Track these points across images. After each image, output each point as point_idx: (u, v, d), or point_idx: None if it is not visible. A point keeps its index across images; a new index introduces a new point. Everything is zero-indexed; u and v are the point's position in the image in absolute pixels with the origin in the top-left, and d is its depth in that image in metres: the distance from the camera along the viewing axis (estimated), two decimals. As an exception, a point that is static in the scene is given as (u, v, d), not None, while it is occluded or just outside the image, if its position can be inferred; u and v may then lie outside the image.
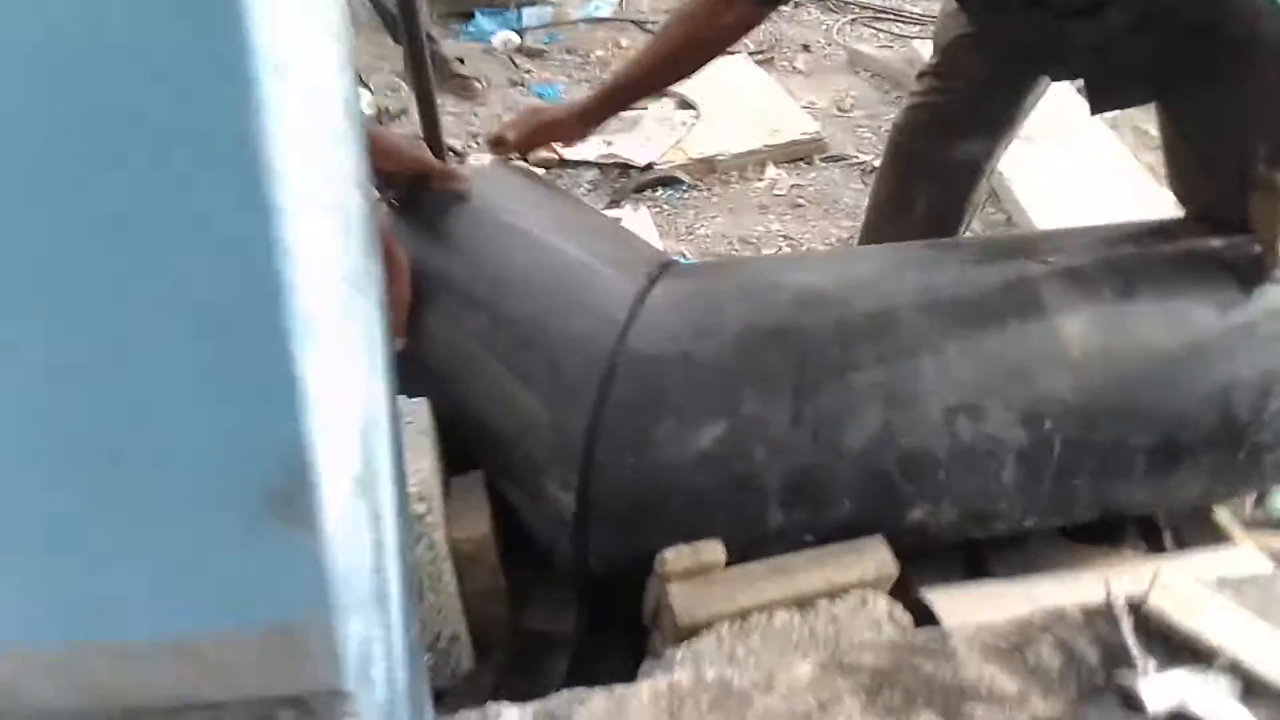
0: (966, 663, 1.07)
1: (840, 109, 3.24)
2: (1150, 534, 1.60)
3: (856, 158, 2.94)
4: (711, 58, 1.53)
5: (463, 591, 1.33)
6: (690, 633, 1.22)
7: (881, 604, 1.25)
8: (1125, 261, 1.39)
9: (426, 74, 1.46)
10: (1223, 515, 1.53)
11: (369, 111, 3.04)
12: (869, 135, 3.07)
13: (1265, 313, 1.35)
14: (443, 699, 1.24)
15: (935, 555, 1.50)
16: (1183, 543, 1.52)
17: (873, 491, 1.28)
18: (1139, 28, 1.34)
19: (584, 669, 1.28)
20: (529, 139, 1.59)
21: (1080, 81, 1.52)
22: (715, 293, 1.32)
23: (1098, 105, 1.51)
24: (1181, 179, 1.57)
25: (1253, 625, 1.09)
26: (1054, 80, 1.68)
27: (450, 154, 2.83)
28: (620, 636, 1.37)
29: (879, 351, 1.26)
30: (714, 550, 1.25)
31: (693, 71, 1.57)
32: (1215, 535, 1.56)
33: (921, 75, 1.78)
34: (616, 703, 1.02)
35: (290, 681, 0.58)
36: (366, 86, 3.12)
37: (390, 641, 0.68)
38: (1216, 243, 1.41)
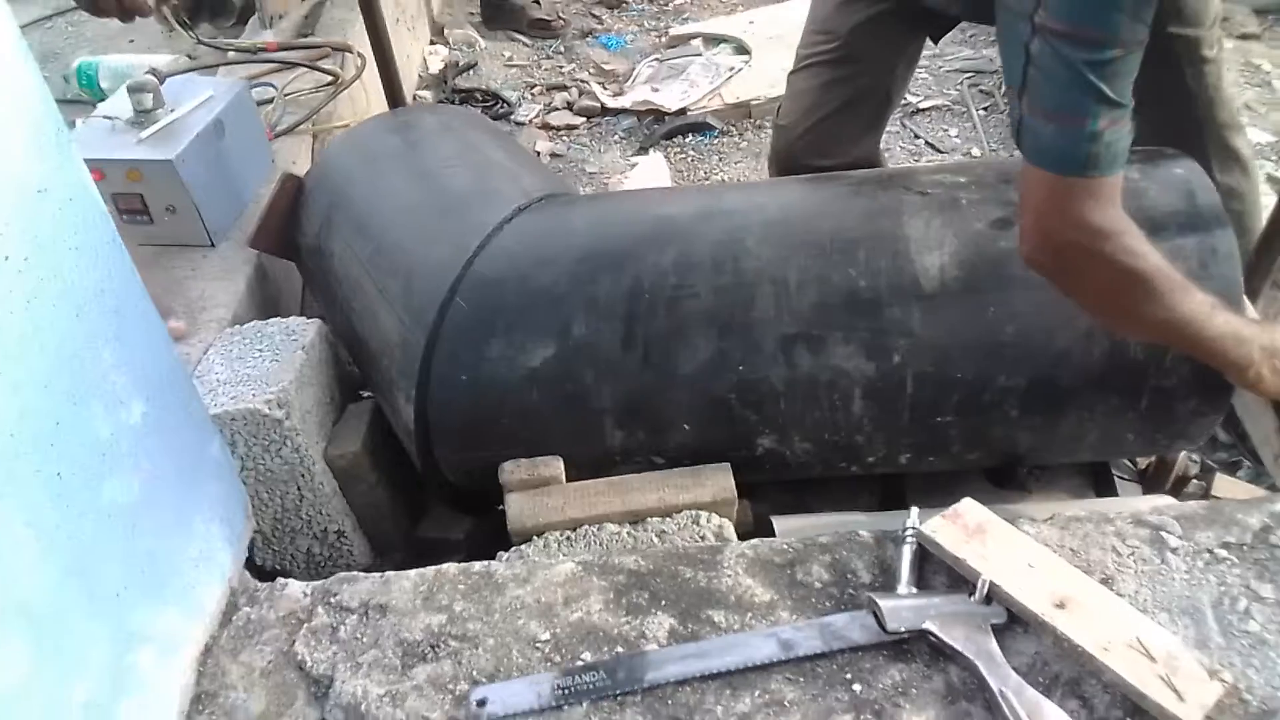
0: (728, 573, 1.07)
1: None
2: (1102, 479, 1.51)
3: (904, 100, 2.84)
4: None
5: (351, 502, 1.46)
6: (524, 539, 1.28)
7: (713, 521, 1.26)
8: (1011, 195, 1.32)
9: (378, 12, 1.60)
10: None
11: (441, 64, 3.28)
12: (925, 77, 2.97)
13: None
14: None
15: (852, 490, 1.50)
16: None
17: (712, 417, 1.29)
18: None
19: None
20: None
21: None
22: (570, 223, 1.38)
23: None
24: None
25: (1038, 558, 1.03)
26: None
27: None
28: (506, 544, 1.44)
29: (717, 282, 1.27)
30: (553, 465, 1.31)
31: None
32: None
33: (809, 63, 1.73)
34: (383, 584, 1.10)
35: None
36: (444, 42, 3.39)
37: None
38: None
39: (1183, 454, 1.53)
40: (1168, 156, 1.34)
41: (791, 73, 1.76)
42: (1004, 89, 1.23)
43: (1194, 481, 1.57)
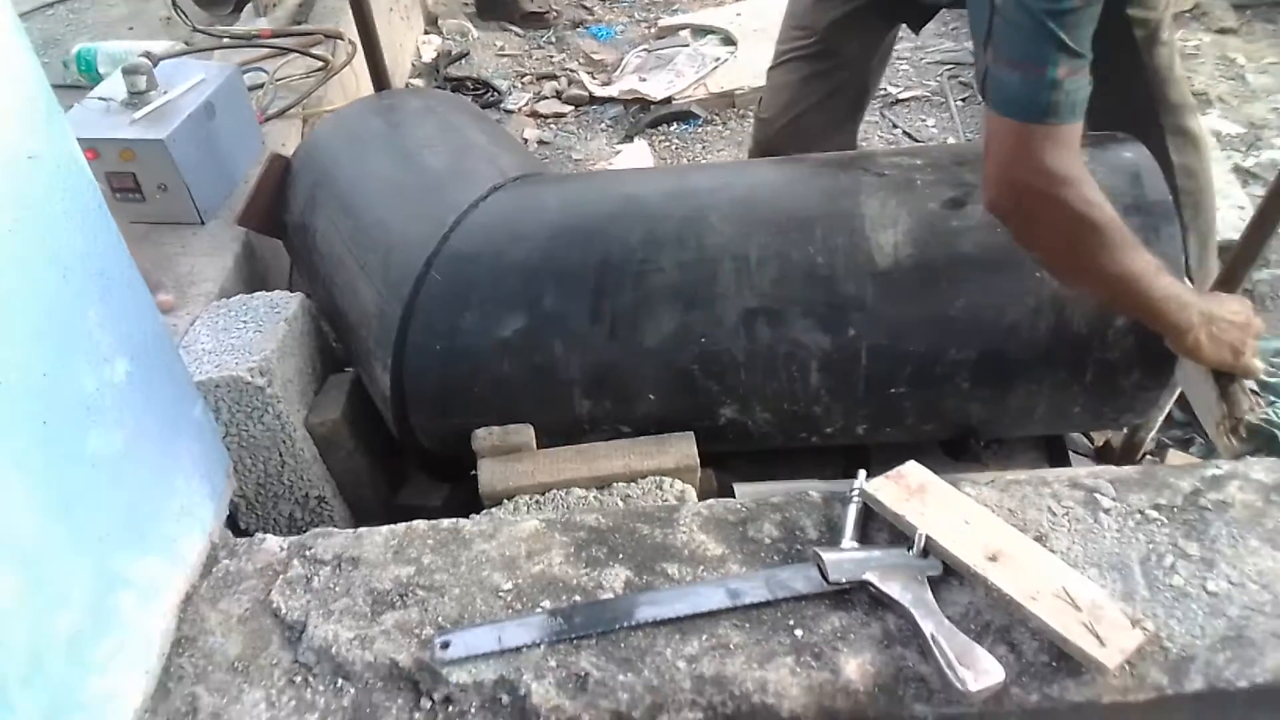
0: (683, 530, 1.13)
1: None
2: (1057, 453, 1.57)
3: (884, 91, 2.90)
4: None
5: (331, 469, 1.52)
6: (494, 502, 1.34)
7: (676, 487, 1.32)
8: (965, 176, 1.37)
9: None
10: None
11: (434, 53, 3.33)
12: (906, 68, 3.03)
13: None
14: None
15: (819, 464, 1.55)
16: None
17: (676, 388, 1.35)
18: None
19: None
20: None
21: None
22: (542, 201, 1.44)
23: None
24: None
25: (974, 515, 1.08)
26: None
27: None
28: (480, 510, 1.50)
29: (681, 258, 1.33)
30: (524, 432, 1.36)
31: None
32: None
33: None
34: (355, 539, 1.16)
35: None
36: (438, 31, 3.45)
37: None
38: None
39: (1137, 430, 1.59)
40: (1118, 141, 1.40)
41: (771, 68, 1.81)
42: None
43: (1147, 457, 1.63)
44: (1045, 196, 1.13)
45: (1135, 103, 1.53)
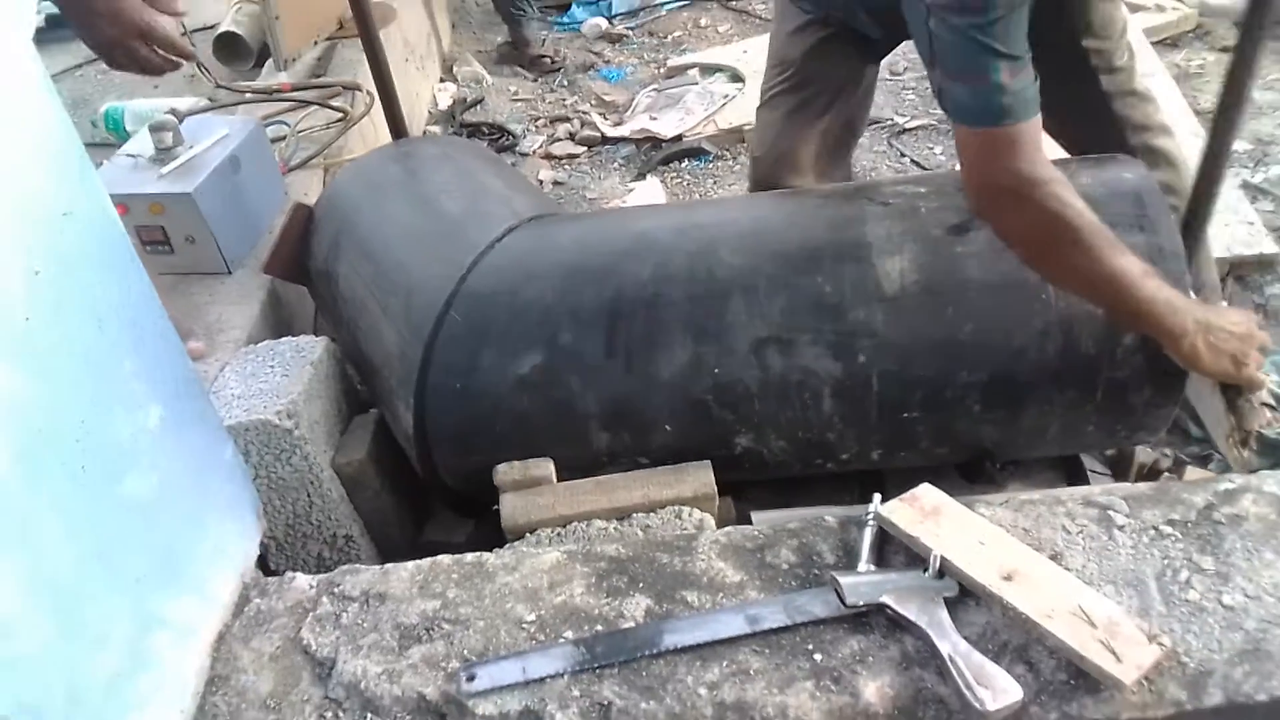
0: (701, 558, 1.15)
1: (893, 72, 3.22)
2: (1074, 473, 1.58)
3: (891, 120, 2.94)
4: None
5: (358, 508, 1.55)
6: (517, 536, 1.37)
7: (695, 516, 1.34)
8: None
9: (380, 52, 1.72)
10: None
11: (450, 100, 3.42)
12: (914, 99, 3.06)
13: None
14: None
15: (836, 491, 1.57)
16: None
17: (691, 419, 1.37)
18: None
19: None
20: None
21: None
22: (556, 240, 1.48)
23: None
24: None
25: (989, 536, 1.10)
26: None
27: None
28: (504, 545, 1.52)
29: (691, 290, 1.36)
30: (544, 466, 1.39)
31: None
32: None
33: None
34: (382, 575, 1.18)
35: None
36: (453, 79, 3.54)
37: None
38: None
39: (1157, 448, 1.60)
40: (1118, 162, 1.42)
41: (758, 108, 1.85)
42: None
43: (1165, 475, 1.63)
44: (1018, 196, 1.20)
45: (1102, 128, 1.56)
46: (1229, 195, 2.33)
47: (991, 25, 1.13)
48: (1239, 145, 2.68)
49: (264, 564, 1.51)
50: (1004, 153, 1.19)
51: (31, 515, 0.83)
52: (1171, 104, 2.69)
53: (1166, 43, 3.30)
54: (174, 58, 1.41)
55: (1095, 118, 1.55)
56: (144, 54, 1.38)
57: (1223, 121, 1.34)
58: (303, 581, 1.20)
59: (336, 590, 1.17)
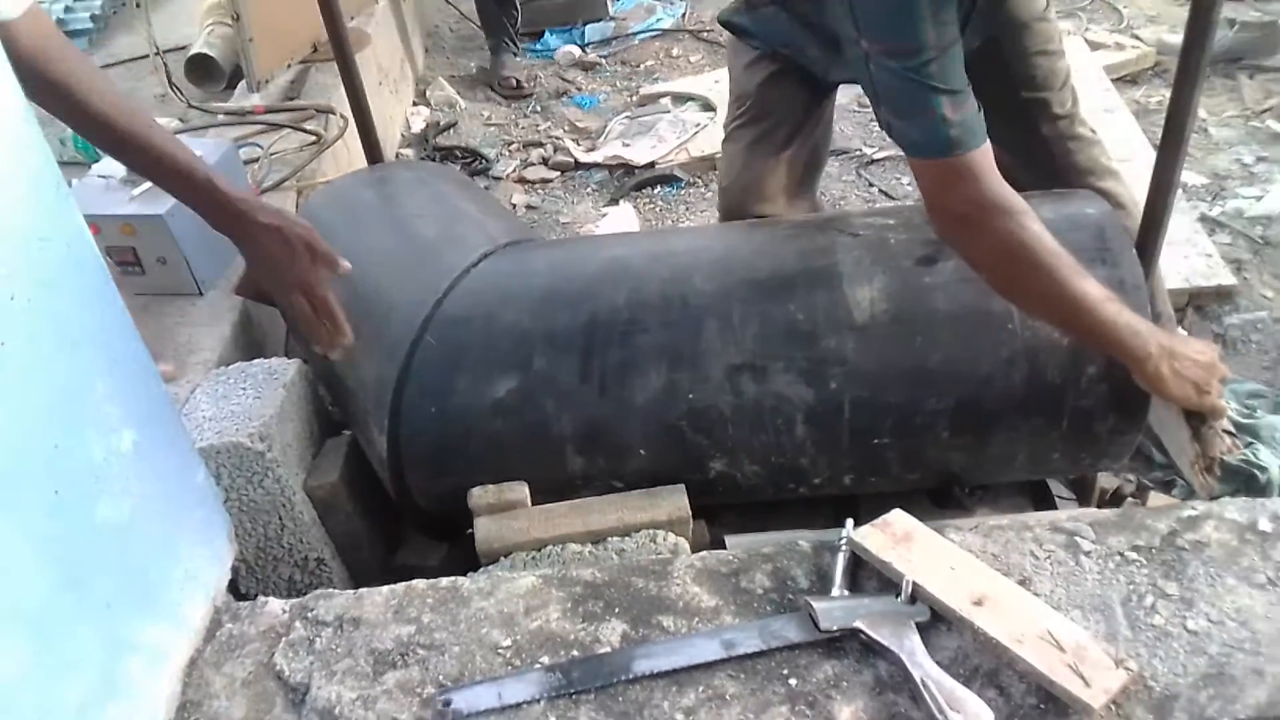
0: (677, 582, 1.16)
1: (861, 104, 3.25)
2: (1041, 498, 1.60)
3: (859, 151, 3.00)
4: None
5: (330, 532, 1.54)
6: (491, 560, 1.37)
7: (669, 540, 1.35)
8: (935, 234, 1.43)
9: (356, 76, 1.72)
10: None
11: (423, 124, 3.41)
12: (878, 130, 3.13)
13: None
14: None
15: (809, 516, 1.57)
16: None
17: (666, 443, 1.38)
18: None
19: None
20: None
21: None
22: (531, 265, 1.49)
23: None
24: None
25: (959, 561, 1.12)
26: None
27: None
28: (478, 569, 1.51)
29: (665, 317, 1.38)
30: (518, 490, 1.39)
31: None
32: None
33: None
34: (356, 599, 1.18)
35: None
36: (426, 103, 3.55)
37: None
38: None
39: (1120, 474, 1.63)
40: (1081, 198, 1.46)
41: (723, 141, 1.88)
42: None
43: (1129, 500, 1.67)
44: (976, 223, 1.24)
45: (1048, 173, 1.60)
46: (1187, 228, 2.40)
47: (925, 66, 1.17)
48: (1197, 180, 2.75)
49: (234, 587, 1.49)
50: (957, 182, 1.23)
51: (3, 540, 0.82)
52: (1131, 139, 2.77)
53: (1126, 79, 3.39)
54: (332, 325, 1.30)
55: (1040, 165, 1.60)
56: (307, 312, 1.29)
57: (1166, 157, 1.39)
58: (275, 606, 1.19)
59: (310, 615, 1.16)
